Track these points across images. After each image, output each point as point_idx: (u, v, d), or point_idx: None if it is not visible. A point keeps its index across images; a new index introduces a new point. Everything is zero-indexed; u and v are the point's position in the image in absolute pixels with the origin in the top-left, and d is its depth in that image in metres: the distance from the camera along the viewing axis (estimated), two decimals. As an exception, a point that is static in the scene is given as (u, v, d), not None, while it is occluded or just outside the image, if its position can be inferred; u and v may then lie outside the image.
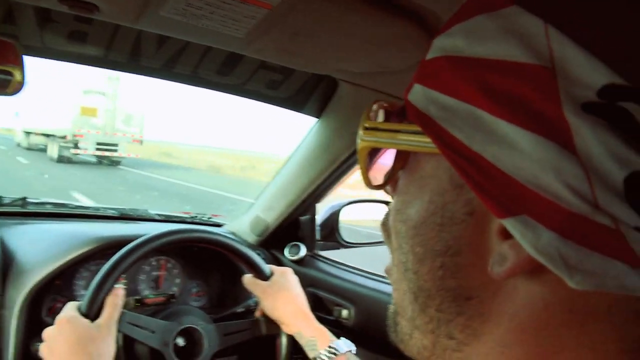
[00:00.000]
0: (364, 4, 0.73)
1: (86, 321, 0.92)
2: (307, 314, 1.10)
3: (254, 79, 1.11)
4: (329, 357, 1.02)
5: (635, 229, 0.25)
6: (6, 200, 1.52)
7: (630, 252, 0.25)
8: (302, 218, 1.53)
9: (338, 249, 1.59)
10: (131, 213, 1.61)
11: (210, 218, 1.72)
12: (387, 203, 1.62)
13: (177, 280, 1.43)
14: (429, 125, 0.32)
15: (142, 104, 18.62)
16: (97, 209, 1.59)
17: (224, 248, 1.16)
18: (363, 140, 0.38)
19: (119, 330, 0.98)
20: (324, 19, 0.76)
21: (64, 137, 16.69)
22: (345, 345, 1.05)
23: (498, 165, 0.28)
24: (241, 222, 1.61)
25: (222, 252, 1.21)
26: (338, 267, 1.51)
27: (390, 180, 0.40)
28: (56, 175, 13.69)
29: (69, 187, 10.85)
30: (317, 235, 1.57)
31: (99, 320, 0.94)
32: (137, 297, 1.15)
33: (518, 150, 0.27)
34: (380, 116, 0.40)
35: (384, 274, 1.43)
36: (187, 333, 1.12)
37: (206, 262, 1.46)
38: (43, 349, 0.91)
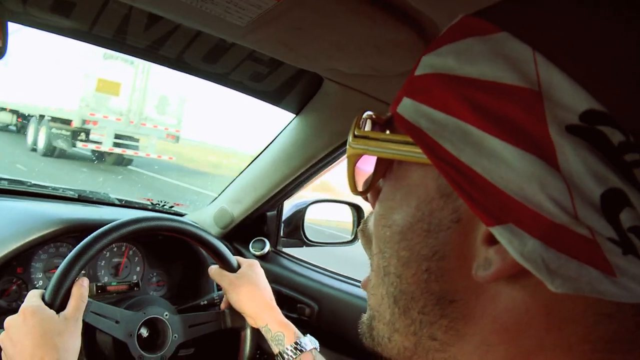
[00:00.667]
0: (369, 7, 0.73)
1: (52, 313, 0.88)
2: (274, 307, 1.10)
3: (239, 70, 1.09)
4: (294, 354, 1.02)
5: (610, 240, 0.27)
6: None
7: (604, 260, 0.27)
8: (269, 213, 1.52)
9: (301, 246, 1.59)
10: (91, 196, 1.56)
11: (172, 207, 1.68)
12: (351, 205, 1.63)
13: (138, 269, 1.39)
14: (420, 137, 0.33)
15: (181, 85, 11.71)
16: (56, 189, 1.53)
17: (194, 238, 1.13)
18: (352, 147, 0.40)
19: (83, 320, 0.95)
20: (328, 17, 0.76)
21: (66, 123, 10.81)
22: (310, 342, 1.05)
23: (487, 177, 0.30)
24: (204, 213, 1.58)
25: (188, 241, 1.18)
26: (302, 265, 1.50)
27: (372, 188, 0.42)
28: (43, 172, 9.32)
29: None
30: (281, 232, 1.56)
31: (65, 312, 0.90)
32: (98, 284, 1.11)
33: (506, 164, 0.29)
34: (368, 126, 0.41)
35: (348, 275, 1.44)
36: (151, 323, 1.09)
37: (168, 251, 1.43)
38: (3, 339, 0.87)
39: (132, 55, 1.07)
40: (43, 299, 0.91)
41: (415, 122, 0.34)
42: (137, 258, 1.39)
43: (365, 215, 0.45)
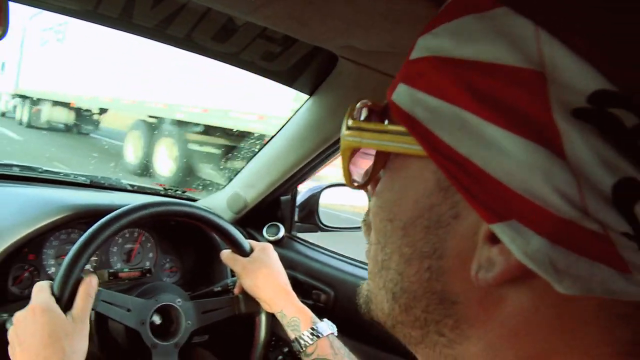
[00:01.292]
0: None
1: (60, 313, 0.86)
2: (289, 292, 1.07)
3: (249, 49, 1.05)
4: (311, 339, 0.99)
5: (624, 235, 0.25)
6: (-31, 161, 1.43)
7: (618, 257, 0.25)
8: (283, 198, 1.49)
9: (316, 231, 1.56)
10: (103, 181, 1.54)
11: (184, 192, 1.66)
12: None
13: (150, 255, 1.37)
14: (415, 127, 0.31)
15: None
16: (68, 174, 1.51)
17: (205, 223, 1.10)
18: (346, 140, 0.38)
19: (93, 309, 0.93)
20: None
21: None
22: (327, 327, 1.02)
23: (487, 170, 0.28)
24: (217, 198, 1.56)
25: (200, 227, 1.16)
26: (317, 250, 1.47)
27: (371, 180, 0.40)
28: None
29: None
30: (295, 217, 1.54)
31: (73, 312, 0.88)
32: (110, 270, 1.09)
33: (507, 155, 0.27)
34: (363, 115, 0.40)
35: (364, 260, 1.41)
36: (164, 310, 1.07)
37: (181, 237, 1.41)
38: (11, 334, 0.86)
39: (139, 35, 1.04)
40: (52, 290, 0.89)
41: (411, 110, 0.32)
42: (149, 244, 1.38)
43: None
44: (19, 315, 0.86)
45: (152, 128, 8.66)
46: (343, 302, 1.32)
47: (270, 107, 6.65)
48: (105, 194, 1.45)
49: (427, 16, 0.75)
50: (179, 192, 1.66)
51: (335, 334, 1.03)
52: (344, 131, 0.38)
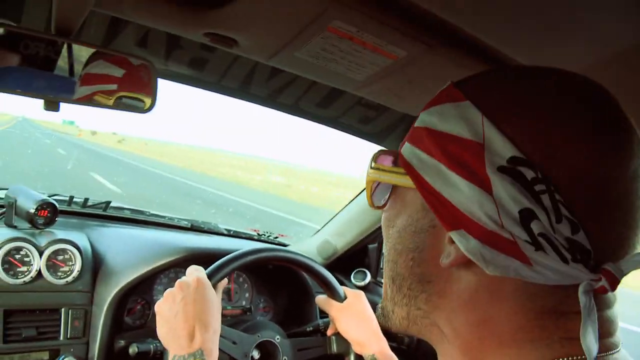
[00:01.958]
0: (471, 61, 0.79)
1: (215, 294, 0.97)
2: (382, 337, 1.14)
3: (349, 114, 1.18)
4: None
5: (525, 241, 0.40)
6: (91, 203, 1.62)
7: (522, 254, 0.40)
8: (370, 246, 1.58)
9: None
10: (202, 226, 1.70)
11: (276, 237, 1.79)
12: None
13: (247, 295, 1.49)
14: (411, 171, 0.48)
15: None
16: (172, 219, 1.68)
17: (307, 270, 1.20)
18: (370, 176, 0.54)
19: None
20: (436, 70, 0.83)
21: None
22: None
23: (449, 199, 0.43)
24: (307, 244, 1.67)
25: (296, 271, 1.26)
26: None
27: (386, 203, 0.56)
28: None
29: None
30: (381, 264, 1.62)
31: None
32: (217, 307, 1.21)
33: (460, 191, 0.43)
34: (382, 160, 0.55)
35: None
36: (263, 346, 1.17)
37: (274, 279, 1.52)
38: (163, 305, 0.93)
39: (253, 103, 1.18)
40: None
41: (410, 160, 0.48)
42: (246, 285, 1.50)
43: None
44: (182, 283, 0.95)
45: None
46: (425, 344, 1.38)
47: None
48: (205, 238, 1.59)
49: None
50: (271, 237, 1.78)
51: None
52: (369, 170, 0.54)
